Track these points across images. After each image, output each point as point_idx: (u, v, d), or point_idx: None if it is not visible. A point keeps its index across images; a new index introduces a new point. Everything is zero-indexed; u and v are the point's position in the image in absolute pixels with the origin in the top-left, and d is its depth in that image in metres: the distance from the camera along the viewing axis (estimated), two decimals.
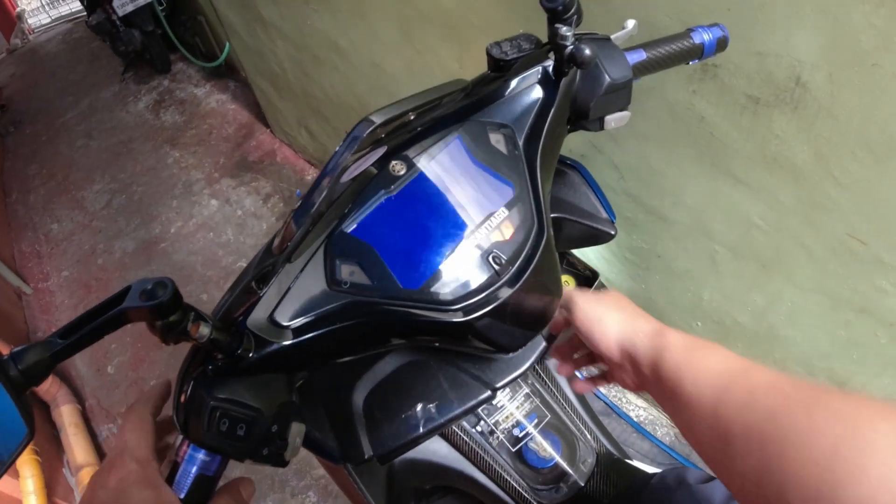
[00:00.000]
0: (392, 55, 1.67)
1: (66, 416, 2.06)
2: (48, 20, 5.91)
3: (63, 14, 5.93)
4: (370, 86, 1.90)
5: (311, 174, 2.89)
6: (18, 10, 5.80)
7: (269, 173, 2.98)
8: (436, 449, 0.84)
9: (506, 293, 0.54)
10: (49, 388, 2.12)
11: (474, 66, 1.40)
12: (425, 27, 1.45)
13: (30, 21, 5.85)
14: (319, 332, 0.51)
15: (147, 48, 3.77)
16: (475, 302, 0.53)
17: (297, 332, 0.50)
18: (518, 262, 0.55)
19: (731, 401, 0.44)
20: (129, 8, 3.46)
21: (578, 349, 0.72)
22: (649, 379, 0.54)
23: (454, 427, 0.82)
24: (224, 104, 3.58)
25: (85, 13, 4.42)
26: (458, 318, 0.53)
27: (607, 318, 0.60)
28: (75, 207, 3.18)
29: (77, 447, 1.96)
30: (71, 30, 5.49)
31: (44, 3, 6.06)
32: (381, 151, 0.60)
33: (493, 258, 0.54)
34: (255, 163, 3.07)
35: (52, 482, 1.84)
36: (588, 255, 1.47)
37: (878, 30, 0.75)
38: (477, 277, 0.54)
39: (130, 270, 2.71)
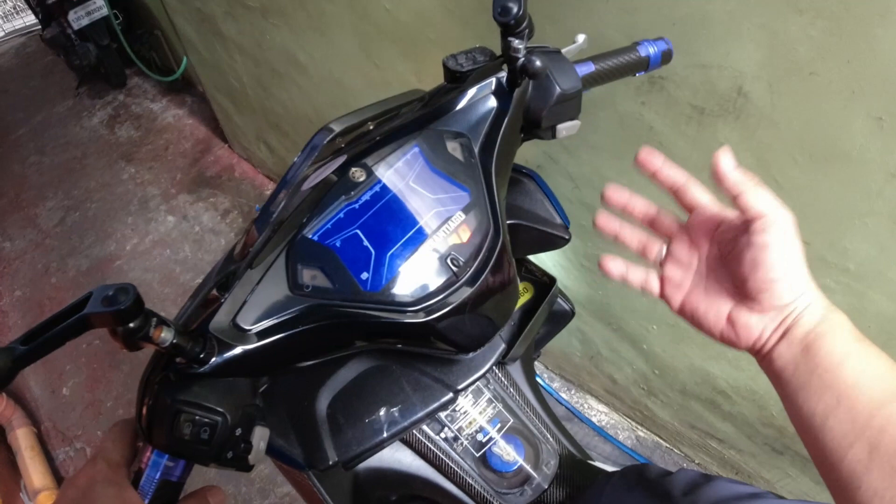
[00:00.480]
0: (351, 69, 1.69)
1: (22, 439, 2.00)
2: (1, 34, 5.74)
3: (17, 27, 5.75)
4: (329, 100, 1.92)
5: (270, 189, 2.86)
6: None
7: (227, 189, 2.95)
8: (400, 457, 0.85)
9: (464, 293, 0.56)
10: (3, 410, 2.06)
11: (432, 80, 1.42)
12: (383, 42, 1.47)
13: None
14: (282, 335, 0.51)
15: (102, 62, 3.69)
16: (435, 303, 0.55)
17: (260, 335, 0.51)
18: (476, 264, 0.57)
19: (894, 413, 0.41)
20: (85, 22, 3.39)
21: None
22: (793, 343, 0.47)
23: (418, 434, 0.83)
24: (181, 119, 3.53)
25: (39, 27, 4.31)
26: (419, 319, 0.54)
27: (799, 255, 0.47)
28: (28, 225, 3.09)
29: (34, 471, 1.91)
30: (24, 44, 5.34)
31: None
32: (340, 160, 0.61)
33: (452, 260, 0.56)
34: (213, 178, 3.03)
35: None
36: (545, 262, 1.50)
37: (815, 40, 0.79)
38: (436, 279, 0.56)
39: (85, 289, 2.59)
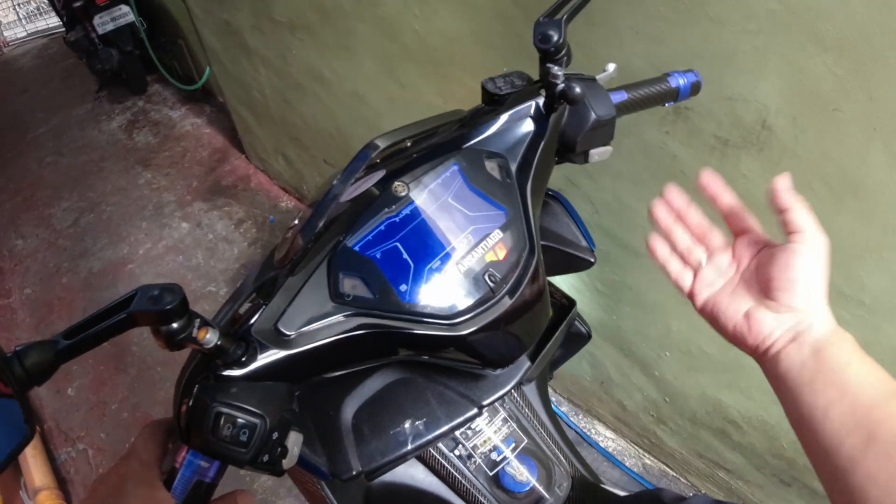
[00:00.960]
0: (375, 88, 1.71)
1: None
2: (24, 34, 5.83)
3: (40, 29, 5.86)
4: (351, 116, 1.94)
5: (286, 201, 2.90)
6: None
7: (242, 199, 2.97)
8: (413, 473, 0.85)
9: (500, 309, 0.57)
10: None
11: (455, 101, 1.45)
12: (409, 63, 1.50)
13: (5, 34, 5.74)
14: (322, 342, 0.52)
15: (124, 68, 3.75)
16: (470, 317, 0.56)
17: (301, 341, 0.52)
18: (511, 281, 0.58)
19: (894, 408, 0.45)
20: (110, 27, 3.46)
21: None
22: (803, 346, 0.52)
23: (432, 450, 0.83)
24: (199, 128, 3.58)
25: (62, 29, 4.39)
26: (455, 332, 0.55)
27: (824, 274, 0.54)
28: (41, 224, 3.11)
29: (35, 469, 1.91)
30: (46, 45, 5.42)
31: (21, 16, 5.98)
32: (379, 175, 0.63)
33: (489, 276, 0.57)
34: (229, 187, 3.06)
35: None
36: (560, 285, 1.50)
37: (839, 78, 0.81)
38: (473, 294, 0.57)
39: (96, 291, 2.66)
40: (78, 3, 3.50)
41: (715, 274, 0.61)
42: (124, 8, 3.48)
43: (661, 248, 0.65)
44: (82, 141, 3.72)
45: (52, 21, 5.75)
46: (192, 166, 3.27)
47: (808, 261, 0.53)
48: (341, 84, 1.85)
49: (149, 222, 2.96)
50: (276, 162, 2.77)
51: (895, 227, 0.88)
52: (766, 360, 0.55)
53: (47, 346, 0.41)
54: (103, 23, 3.44)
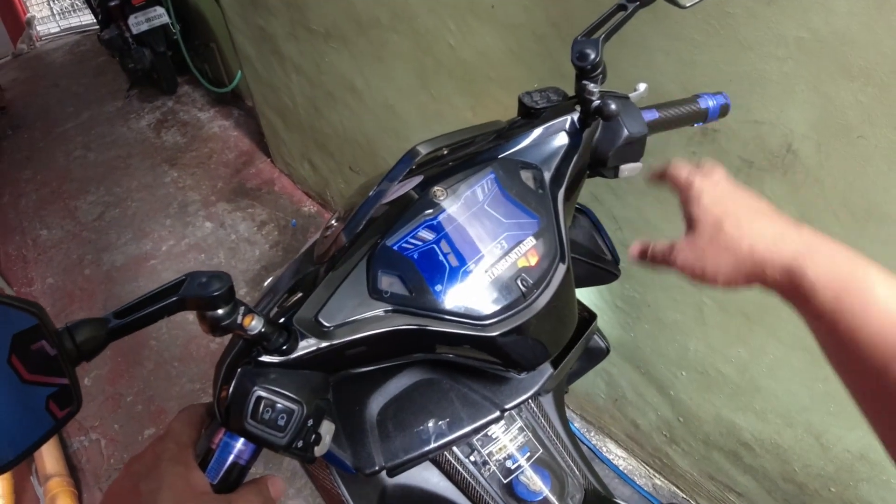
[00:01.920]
0: (406, 99, 1.74)
1: None
2: (57, 29, 5.97)
3: (73, 25, 6.00)
4: (380, 126, 1.97)
5: (308, 206, 2.94)
6: (28, 16, 5.85)
7: (265, 201, 3.02)
8: (428, 476, 0.86)
9: (529, 313, 0.59)
10: None
11: (486, 115, 1.47)
12: (442, 76, 1.53)
13: (38, 28, 5.89)
14: (359, 335, 0.55)
15: (155, 68, 3.84)
16: (502, 319, 0.58)
17: (339, 333, 0.54)
18: (542, 287, 0.60)
19: None
20: (144, 27, 3.54)
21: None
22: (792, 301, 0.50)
23: (448, 455, 0.85)
24: (227, 130, 3.64)
25: (95, 27, 4.50)
26: (485, 333, 0.57)
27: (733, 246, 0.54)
28: (67, 216, 3.18)
29: (47, 457, 1.93)
30: (79, 42, 5.54)
31: (54, 12, 6.13)
32: (416, 180, 0.65)
33: (521, 281, 0.59)
34: (253, 190, 3.11)
35: (19, 490, 1.79)
36: (580, 300, 1.52)
37: (864, 106, 0.83)
38: (505, 297, 0.59)
39: (117, 284, 2.70)
40: (114, 3, 3.59)
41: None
42: (159, 9, 3.57)
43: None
44: (111, 137, 3.80)
45: (86, 18, 5.89)
46: (218, 167, 3.33)
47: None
48: (372, 94, 1.89)
49: (173, 220, 3.01)
50: (302, 167, 2.81)
51: None
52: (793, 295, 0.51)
53: (99, 323, 0.43)
54: (138, 23, 3.53)
